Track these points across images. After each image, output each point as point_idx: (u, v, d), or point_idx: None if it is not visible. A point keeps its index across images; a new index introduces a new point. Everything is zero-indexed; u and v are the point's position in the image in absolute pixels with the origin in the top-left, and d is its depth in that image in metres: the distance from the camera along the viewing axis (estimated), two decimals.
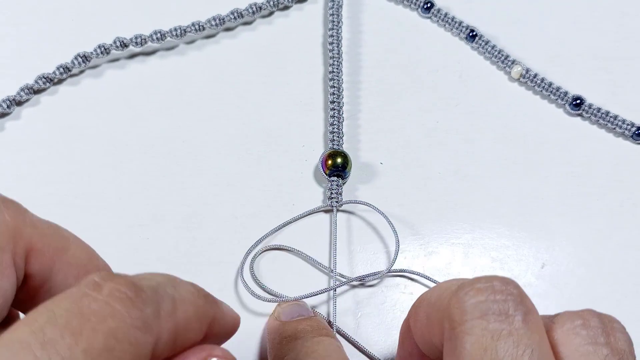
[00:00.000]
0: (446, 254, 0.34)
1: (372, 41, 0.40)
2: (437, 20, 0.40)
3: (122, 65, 0.39)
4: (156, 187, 0.35)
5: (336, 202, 0.34)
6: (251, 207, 0.35)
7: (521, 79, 0.39)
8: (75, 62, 0.38)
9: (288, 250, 0.34)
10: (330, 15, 0.39)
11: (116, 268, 0.33)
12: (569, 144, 0.37)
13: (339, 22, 0.39)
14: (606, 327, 0.21)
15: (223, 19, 0.39)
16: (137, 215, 0.34)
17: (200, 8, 0.40)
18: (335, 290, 0.32)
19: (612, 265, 0.34)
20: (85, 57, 0.38)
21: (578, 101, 0.37)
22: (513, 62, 0.39)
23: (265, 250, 0.34)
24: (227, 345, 0.24)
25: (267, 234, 0.33)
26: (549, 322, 0.22)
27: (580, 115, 0.38)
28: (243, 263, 0.33)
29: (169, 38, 0.39)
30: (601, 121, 0.37)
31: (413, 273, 0.33)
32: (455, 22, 0.40)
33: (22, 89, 0.37)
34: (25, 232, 0.21)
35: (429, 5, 0.40)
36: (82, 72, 0.38)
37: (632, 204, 0.35)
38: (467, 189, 0.35)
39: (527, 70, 0.38)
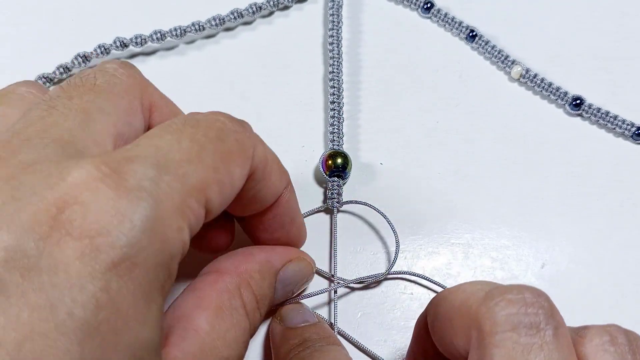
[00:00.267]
0: (446, 254, 0.34)
1: (372, 41, 0.40)
2: (437, 21, 0.40)
3: None
4: None
5: (337, 202, 0.34)
6: None
7: (521, 79, 0.39)
8: (75, 62, 0.38)
9: None
10: (331, 15, 0.39)
11: None
12: (569, 144, 0.37)
13: (339, 22, 0.39)
14: (632, 344, 0.22)
15: (223, 19, 0.39)
16: None
17: (200, 8, 0.40)
18: (336, 292, 0.32)
19: (612, 265, 0.34)
20: (85, 57, 0.38)
21: (578, 101, 0.37)
22: (513, 62, 0.39)
23: None
24: None
25: None
26: (576, 336, 0.22)
27: (580, 115, 0.38)
28: None
29: (169, 38, 0.39)
30: (601, 121, 0.37)
31: (413, 275, 0.33)
32: (455, 22, 0.40)
33: None
34: (149, 89, 0.25)
35: (429, 5, 0.40)
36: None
37: (632, 204, 0.35)
38: (467, 189, 0.35)
39: (527, 71, 0.38)
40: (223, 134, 0.22)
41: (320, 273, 0.33)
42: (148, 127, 0.25)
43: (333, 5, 0.40)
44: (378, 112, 0.38)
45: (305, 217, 0.34)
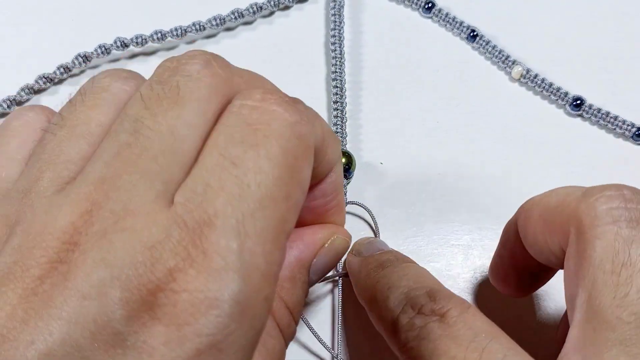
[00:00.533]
0: (446, 255, 0.34)
1: (372, 41, 0.40)
2: (438, 21, 0.40)
3: (123, 66, 0.39)
4: None
5: None
6: None
7: (522, 79, 0.39)
8: (76, 62, 0.38)
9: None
10: (332, 15, 0.39)
11: None
12: (569, 145, 0.37)
13: (340, 23, 0.39)
14: None
15: (224, 19, 0.39)
16: None
17: (201, 8, 0.40)
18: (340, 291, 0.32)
19: None
20: (85, 57, 0.38)
21: (578, 102, 0.37)
22: (514, 62, 0.39)
23: None
24: None
25: None
26: None
27: (580, 115, 0.38)
28: None
29: (169, 38, 0.39)
30: (601, 122, 0.37)
31: None
32: (456, 22, 0.40)
33: (22, 89, 0.37)
34: (234, 81, 0.22)
35: (430, 5, 0.40)
36: (82, 72, 0.38)
37: None
38: (467, 190, 0.35)
39: (528, 71, 0.38)
40: (287, 145, 0.19)
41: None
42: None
43: (335, 5, 0.40)
44: (378, 112, 0.38)
45: None
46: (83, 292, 0.16)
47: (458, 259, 0.34)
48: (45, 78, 0.37)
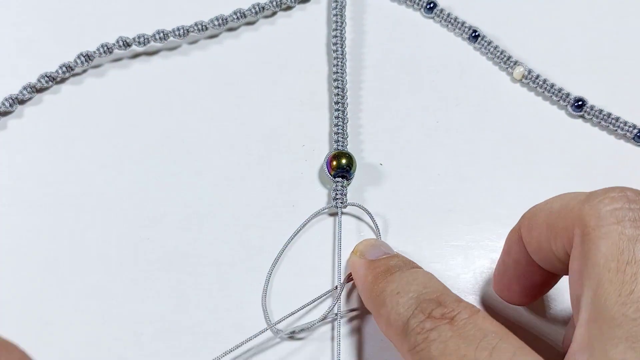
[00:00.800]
0: (445, 255, 0.34)
1: (374, 41, 0.40)
2: (440, 21, 0.40)
3: (125, 65, 0.39)
4: (157, 187, 0.35)
5: (341, 203, 0.34)
6: (252, 208, 0.35)
7: (523, 80, 0.39)
8: (78, 61, 0.38)
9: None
10: (334, 15, 0.39)
11: (116, 268, 0.33)
12: (570, 146, 0.37)
13: (342, 23, 0.39)
14: None
15: (226, 19, 0.39)
16: (137, 215, 0.34)
17: (203, 8, 0.40)
18: (339, 296, 0.32)
19: None
20: (88, 57, 0.38)
21: (580, 103, 0.37)
22: (515, 62, 0.39)
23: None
24: None
25: (283, 249, 0.33)
26: None
27: (582, 117, 0.38)
28: (266, 286, 0.33)
29: (171, 38, 0.39)
30: (603, 123, 0.37)
31: None
32: (458, 23, 0.40)
33: (24, 88, 0.37)
34: None
35: (431, 5, 0.40)
36: (84, 71, 0.39)
37: None
38: (467, 190, 0.35)
39: (530, 71, 0.38)
40: None
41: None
42: None
43: (337, 5, 0.40)
44: (379, 112, 0.38)
45: (313, 218, 0.34)
46: None
47: (458, 260, 0.34)
48: (48, 77, 0.37)
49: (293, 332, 0.31)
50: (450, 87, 0.38)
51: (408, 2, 0.41)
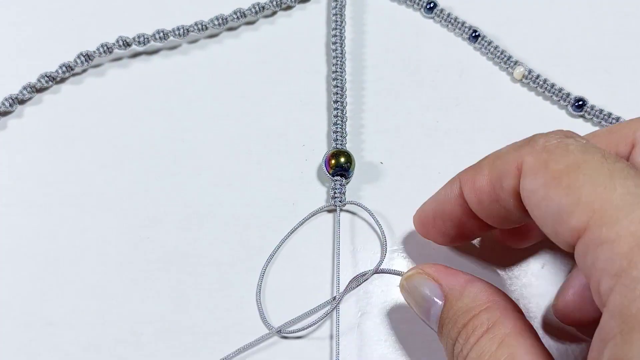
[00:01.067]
0: (445, 255, 0.34)
1: (374, 41, 0.40)
2: (440, 21, 0.40)
3: (125, 65, 0.39)
4: (157, 187, 0.35)
5: (340, 201, 0.34)
6: (251, 207, 0.35)
7: (523, 80, 0.39)
8: (78, 61, 0.38)
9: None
10: (334, 15, 0.39)
11: (116, 268, 0.33)
12: None
13: (342, 22, 0.39)
14: None
15: (226, 18, 0.39)
16: (137, 215, 0.34)
17: (203, 8, 0.40)
18: (338, 305, 0.32)
19: None
20: (87, 56, 0.38)
21: (580, 102, 0.37)
22: (515, 62, 0.39)
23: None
24: None
25: (279, 244, 0.33)
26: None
27: (582, 116, 0.38)
28: (260, 285, 0.33)
29: (171, 37, 0.39)
30: (603, 122, 0.37)
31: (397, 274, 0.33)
32: (458, 23, 0.40)
33: (24, 88, 0.37)
34: None
35: (431, 5, 0.40)
36: (84, 71, 0.39)
37: None
38: None
39: (530, 71, 0.38)
40: None
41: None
42: None
43: (336, 5, 0.40)
44: (379, 112, 0.38)
45: (311, 216, 0.34)
46: None
47: (458, 259, 0.34)
48: (48, 77, 0.37)
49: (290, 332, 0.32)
50: (450, 87, 0.38)
51: (408, 2, 0.41)
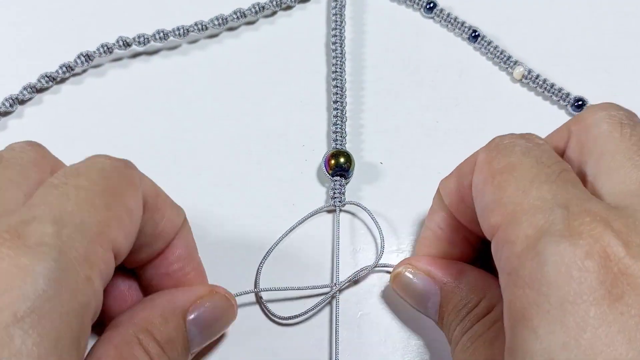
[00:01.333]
0: None
1: (373, 41, 0.40)
2: (440, 21, 0.40)
3: (125, 65, 0.39)
4: None
5: (339, 201, 0.34)
6: (251, 207, 0.35)
7: (523, 80, 0.39)
8: (78, 61, 0.38)
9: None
10: (334, 15, 0.39)
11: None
12: None
13: (342, 22, 0.39)
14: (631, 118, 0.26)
15: (226, 18, 0.39)
16: None
17: (203, 8, 0.40)
18: (337, 300, 0.32)
19: None
20: (88, 57, 0.38)
21: (580, 102, 0.37)
22: (515, 62, 0.39)
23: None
24: None
25: (276, 242, 0.33)
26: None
27: None
28: (257, 278, 0.33)
29: (171, 37, 0.39)
30: None
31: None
32: (458, 23, 0.40)
33: (24, 88, 0.37)
34: (59, 163, 0.26)
35: (431, 5, 0.40)
36: (84, 71, 0.39)
37: None
38: None
39: (530, 71, 0.38)
40: (106, 172, 0.24)
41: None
42: None
43: (336, 5, 0.40)
44: (379, 112, 0.38)
45: (310, 216, 0.34)
46: None
47: None
48: (48, 77, 0.37)
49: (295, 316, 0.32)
50: (450, 87, 0.38)
51: (408, 2, 0.41)
